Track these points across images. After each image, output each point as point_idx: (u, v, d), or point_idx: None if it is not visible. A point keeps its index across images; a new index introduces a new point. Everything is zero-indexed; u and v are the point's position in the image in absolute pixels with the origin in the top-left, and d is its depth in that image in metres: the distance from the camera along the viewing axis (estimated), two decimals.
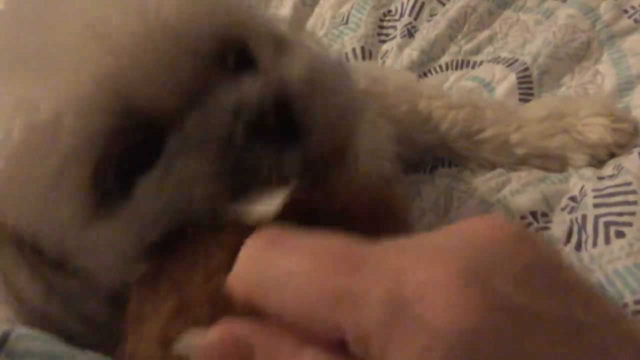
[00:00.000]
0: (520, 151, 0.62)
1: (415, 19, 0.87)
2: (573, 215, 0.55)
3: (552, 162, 0.62)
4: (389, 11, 0.90)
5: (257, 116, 0.33)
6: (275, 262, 0.23)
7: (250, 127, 0.33)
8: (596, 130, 0.59)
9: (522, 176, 0.62)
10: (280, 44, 0.42)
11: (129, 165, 0.35)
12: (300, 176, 0.34)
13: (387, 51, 0.86)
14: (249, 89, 0.34)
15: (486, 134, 0.63)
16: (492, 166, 0.64)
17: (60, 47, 0.35)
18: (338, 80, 0.39)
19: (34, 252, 0.38)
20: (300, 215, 0.29)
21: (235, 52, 0.39)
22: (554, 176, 0.61)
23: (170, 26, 0.35)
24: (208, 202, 0.33)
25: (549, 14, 0.80)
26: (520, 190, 0.60)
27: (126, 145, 0.34)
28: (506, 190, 0.61)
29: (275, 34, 0.44)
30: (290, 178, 0.33)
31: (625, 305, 0.47)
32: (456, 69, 0.80)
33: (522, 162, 0.63)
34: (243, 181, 0.33)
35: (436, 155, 0.67)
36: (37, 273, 0.38)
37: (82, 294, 0.38)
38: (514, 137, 0.62)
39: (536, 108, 0.63)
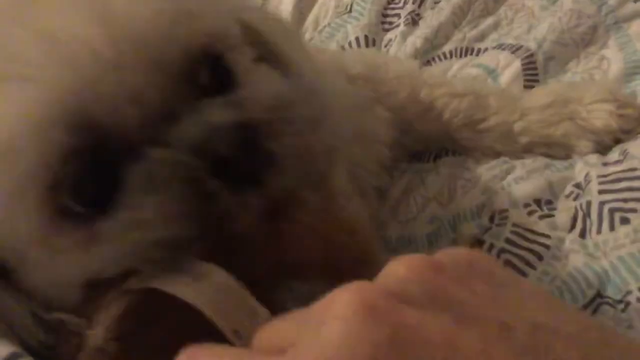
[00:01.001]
0: (524, 139, 0.62)
1: (419, 6, 0.86)
2: (578, 202, 0.55)
3: (557, 150, 0.61)
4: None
5: (222, 157, 0.32)
6: None
7: (214, 167, 0.32)
8: (601, 116, 0.59)
9: (526, 164, 0.61)
10: (262, 56, 0.41)
11: (89, 190, 0.34)
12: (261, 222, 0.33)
13: (390, 40, 0.85)
14: (216, 123, 0.33)
15: (489, 122, 0.62)
16: (496, 155, 0.64)
17: (16, 63, 0.33)
18: (308, 117, 0.37)
19: None
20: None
21: (208, 67, 0.37)
22: (559, 163, 0.61)
23: (137, 39, 0.34)
24: (169, 245, 0.32)
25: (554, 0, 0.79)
26: (525, 177, 0.60)
27: (84, 168, 0.33)
28: (510, 178, 0.60)
29: (259, 41, 0.42)
30: (254, 220, 0.33)
31: (630, 292, 0.47)
32: (460, 56, 0.79)
33: (526, 151, 0.62)
34: (205, 223, 0.32)
35: (439, 144, 0.66)
36: None
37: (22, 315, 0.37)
38: (518, 126, 0.62)
39: (540, 95, 0.63)
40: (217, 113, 0.34)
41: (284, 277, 0.35)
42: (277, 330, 0.27)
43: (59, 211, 0.34)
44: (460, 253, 0.28)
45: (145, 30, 0.34)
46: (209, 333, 0.30)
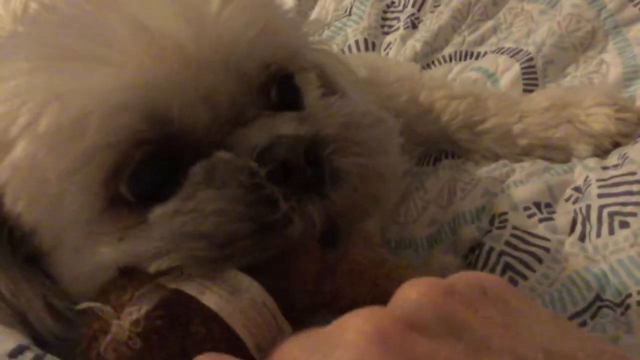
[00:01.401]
0: (523, 142, 0.62)
1: (419, 10, 0.86)
2: (577, 206, 0.55)
3: (556, 153, 0.61)
4: (392, 3, 0.90)
5: (284, 164, 0.33)
6: None
7: (276, 173, 0.33)
8: (600, 120, 0.59)
9: (525, 167, 0.61)
10: (328, 84, 0.41)
11: (146, 180, 0.34)
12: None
13: (390, 43, 0.85)
14: (284, 133, 0.34)
15: (488, 124, 0.62)
16: (495, 157, 0.64)
17: (104, 47, 0.34)
18: (378, 139, 0.38)
19: (21, 242, 0.38)
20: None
21: (279, 84, 0.38)
22: (558, 166, 0.61)
23: (223, 44, 0.35)
24: (217, 243, 0.33)
25: (553, 3, 0.79)
26: (524, 180, 0.60)
27: (147, 158, 0.34)
28: (510, 181, 0.60)
29: (325, 71, 0.43)
30: (312, 227, 0.33)
31: (629, 295, 0.47)
32: (460, 60, 0.79)
33: (525, 153, 0.63)
34: (258, 226, 0.32)
35: (439, 147, 0.67)
36: (7, 261, 0.38)
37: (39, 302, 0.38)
38: (517, 128, 0.62)
39: (539, 98, 0.63)
40: (285, 124, 0.35)
41: (323, 308, 0.35)
42: (290, 350, 0.27)
43: (112, 197, 0.34)
44: (473, 277, 0.28)
45: (232, 38, 0.35)
46: (230, 342, 0.31)
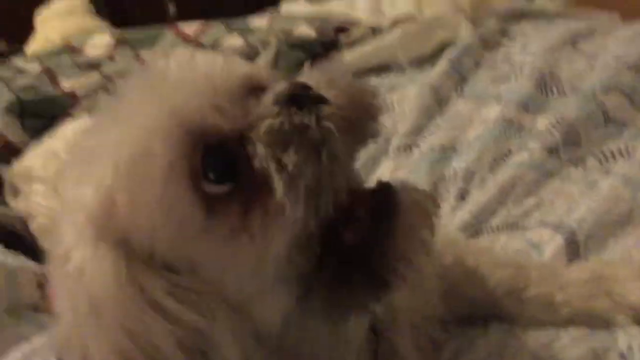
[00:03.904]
0: (565, 311, 0.66)
1: (467, 184, 0.95)
2: None
3: (598, 322, 0.65)
4: (442, 176, 0.99)
5: (291, 96, 0.46)
6: None
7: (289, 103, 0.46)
8: (636, 293, 0.63)
9: (570, 332, 0.65)
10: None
11: (216, 168, 0.45)
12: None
13: (440, 212, 0.93)
14: (279, 88, 0.48)
15: (531, 292, 0.67)
16: (540, 324, 0.68)
17: (168, 95, 0.48)
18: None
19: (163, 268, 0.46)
20: None
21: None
22: (602, 333, 0.64)
23: (221, 85, 0.49)
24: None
25: (592, 185, 0.86)
26: (570, 345, 0.63)
27: (209, 155, 0.45)
28: (556, 346, 0.64)
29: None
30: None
31: None
32: (506, 231, 0.86)
33: (568, 321, 0.66)
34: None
35: (485, 311, 0.71)
36: (156, 271, 0.46)
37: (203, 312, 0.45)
38: (559, 297, 0.66)
39: (578, 270, 0.68)
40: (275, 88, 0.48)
41: None
42: None
43: (202, 197, 0.45)
44: None
45: (224, 84, 0.49)
46: None
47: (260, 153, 0.45)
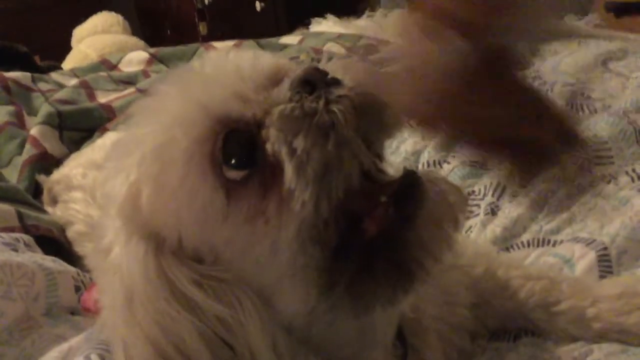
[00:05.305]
0: (596, 325, 0.66)
1: (498, 199, 0.96)
2: None
3: (630, 337, 0.64)
4: (473, 191, 0.99)
5: (304, 80, 0.48)
6: None
7: (302, 87, 0.48)
8: None
9: (603, 347, 0.65)
10: None
11: (236, 153, 0.46)
12: None
13: (471, 226, 0.94)
14: (295, 74, 0.49)
15: (562, 306, 0.67)
16: (572, 339, 0.67)
17: (201, 86, 0.50)
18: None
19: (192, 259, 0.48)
20: None
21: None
22: (635, 349, 0.63)
23: (248, 76, 0.50)
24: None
25: (624, 202, 0.86)
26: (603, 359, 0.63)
27: (229, 140, 0.47)
28: None
29: None
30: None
31: None
32: (537, 246, 0.86)
33: (600, 336, 0.66)
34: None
35: (516, 324, 0.71)
36: (185, 262, 0.47)
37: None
38: (590, 312, 0.66)
39: (611, 285, 0.68)
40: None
41: None
42: None
43: (223, 182, 0.46)
44: None
45: (251, 75, 0.51)
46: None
47: (273, 138, 0.46)
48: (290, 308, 0.48)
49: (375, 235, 0.47)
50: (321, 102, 0.46)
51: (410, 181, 0.48)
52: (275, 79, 0.51)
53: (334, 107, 0.46)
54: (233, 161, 0.47)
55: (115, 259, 0.48)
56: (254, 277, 0.48)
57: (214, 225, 0.47)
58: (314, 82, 0.48)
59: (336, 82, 0.48)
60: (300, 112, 0.46)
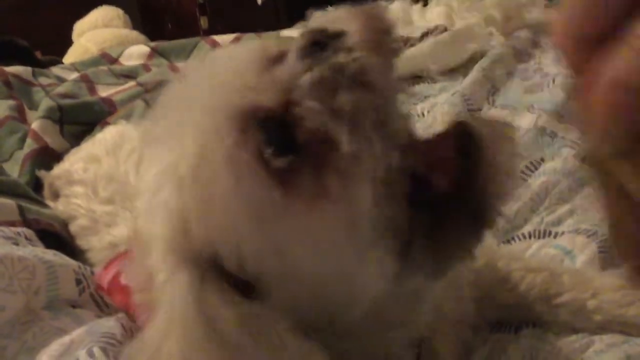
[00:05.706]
0: (597, 317, 0.66)
1: None
2: None
3: (632, 329, 0.65)
4: None
5: (311, 43, 0.45)
6: None
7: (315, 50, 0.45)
8: None
9: (604, 338, 0.65)
10: None
11: (276, 141, 0.43)
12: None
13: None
14: (297, 45, 0.46)
15: (563, 298, 0.67)
16: (573, 331, 0.67)
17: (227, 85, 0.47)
18: None
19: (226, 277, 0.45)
20: None
21: None
22: (637, 339, 0.63)
23: (241, 66, 0.48)
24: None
25: None
26: (605, 350, 0.63)
27: (265, 131, 0.44)
28: (590, 351, 0.63)
29: None
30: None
31: None
32: (538, 238, 0.86)
33: (601, 328, 0.66)
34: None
35: (517, 316, 0.71)
36: (229, 298, 0.44)
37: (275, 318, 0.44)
38: (591, 304, 0.66)
39: (612, 277, 0.68)
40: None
41: None
42: None
43: (272, 174, 0.43)
44: None
45: (244, 64, 0.48)
46: None
47: (309, 110, 0.43)
48: (370, 286, 0.46)
49: (447, 187, 0.44)
50: (342, 54, 0.44)
51: (465, 130, 0.46)
52: (266, 61, 0.48)
53: (356, 54, 0.44)
54: (273, 149, 0.43)
55: (159, 287, 0.46)
56: (320, 274, 0.45)
57: (276, 223, 0.44)
58: (321, 41, 0.45)
59: (342, 34, 0.46)
60: (330, 72, 0.44)
